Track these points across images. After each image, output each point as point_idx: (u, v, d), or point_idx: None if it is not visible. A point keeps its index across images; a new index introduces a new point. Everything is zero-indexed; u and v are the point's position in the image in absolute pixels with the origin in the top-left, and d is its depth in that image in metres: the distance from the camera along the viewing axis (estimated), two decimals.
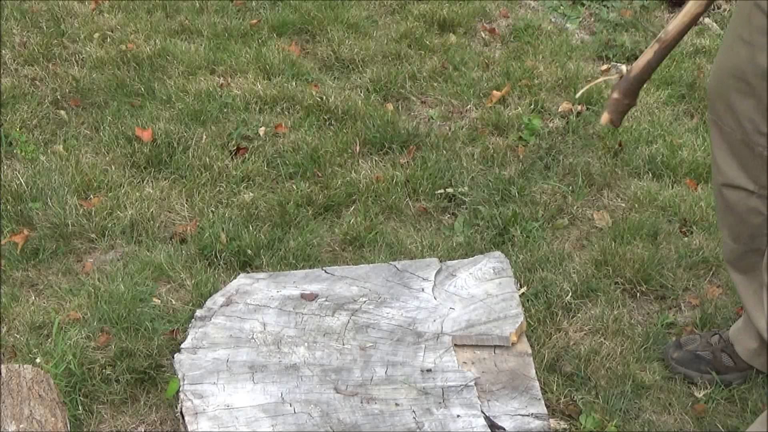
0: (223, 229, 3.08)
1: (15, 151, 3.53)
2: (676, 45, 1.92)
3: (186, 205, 3.25)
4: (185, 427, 1.98)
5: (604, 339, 2.68)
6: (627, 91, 1.88)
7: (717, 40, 4.52)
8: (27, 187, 3.26)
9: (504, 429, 2.02)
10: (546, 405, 2.15)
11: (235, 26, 4.52)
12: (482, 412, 2.02)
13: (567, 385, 2.53)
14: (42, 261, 2.97)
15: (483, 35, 4.54)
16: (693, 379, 2.52)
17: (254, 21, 4.59)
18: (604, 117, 1.94)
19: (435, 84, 4.07)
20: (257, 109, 3.85)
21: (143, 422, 2.43)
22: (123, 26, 4.51)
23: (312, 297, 2.34)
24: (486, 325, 2.27)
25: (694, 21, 1.84)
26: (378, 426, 1.96)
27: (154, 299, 2.79)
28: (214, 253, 2.98)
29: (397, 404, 2.02)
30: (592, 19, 4.79)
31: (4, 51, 4.25)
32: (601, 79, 2.25)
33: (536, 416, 2.07)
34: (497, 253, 2.60)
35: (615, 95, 1.88)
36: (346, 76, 4.15)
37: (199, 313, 2.30)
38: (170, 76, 4.06)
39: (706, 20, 4.71)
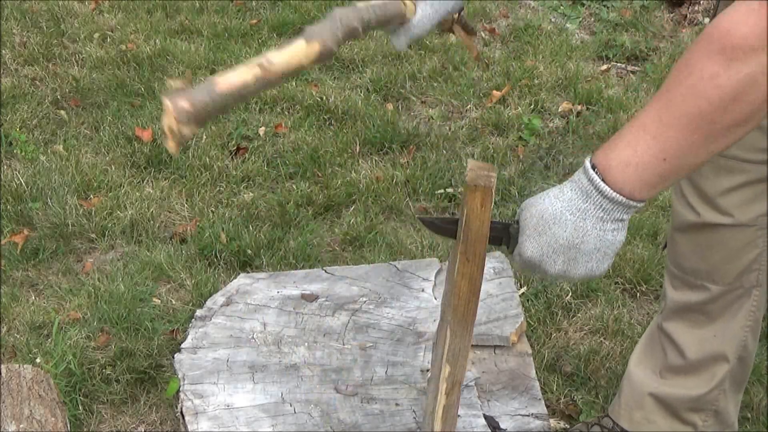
0: (223, 229, 3.08)
1: (15, 151, 3.53)
2: (279, 83, 1.42)
3: (186, 205, 3.25)
4: (185, 427, 1.98)
5: (604, 339, 2.68)
6: (200, 110, 1.25)
7: None
8: (27, 187, 3.26)
9: (504, 429, 2.03)
10: (546, 405, 2.14)
11: (235, 26, 4.52)
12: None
13: (567, 385, 2.53)
14: (42, 261, 2.97)
15: (483, 35, 4.54)
16: None
17: (254, 21, 4.59)
18: (170, 144, 1.28)
19: (435, 84, 4.07)
20: (257, 109, 3.85)
21: (143, 422, 2.43)
22: (123, 26, 4.51)
23: (312, 298, 2.34)
24: (486, 325, 2.27)
25: (298, 71, 1.38)
26: (378, 426, 1.96)
27: (154, 299, 2.79)
28: (214, 253, 2.98)
29: (397, 404, 2.02)
30: (592, 19, 4.79)
31: (4, 51, 4.25)
32: None
33: (536, 416, 2.07)
34: (497, 253, 2.59)
35: (185, 105, 1.24)
36: (346, 76, 4.15)
37: (199, 312, 2.29)
38: (170, 76, 4.06)
39: (706, 21, 4.71)
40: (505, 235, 1.48)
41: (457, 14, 1.73)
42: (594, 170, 1.36)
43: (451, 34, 1.77)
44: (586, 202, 1.37)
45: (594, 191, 1.36)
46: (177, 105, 1.26)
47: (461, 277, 1.51)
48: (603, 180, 1.35)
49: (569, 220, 1.37)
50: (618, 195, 1.34)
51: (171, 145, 1.29)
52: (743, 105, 1.28)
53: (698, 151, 1.33)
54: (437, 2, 1.62)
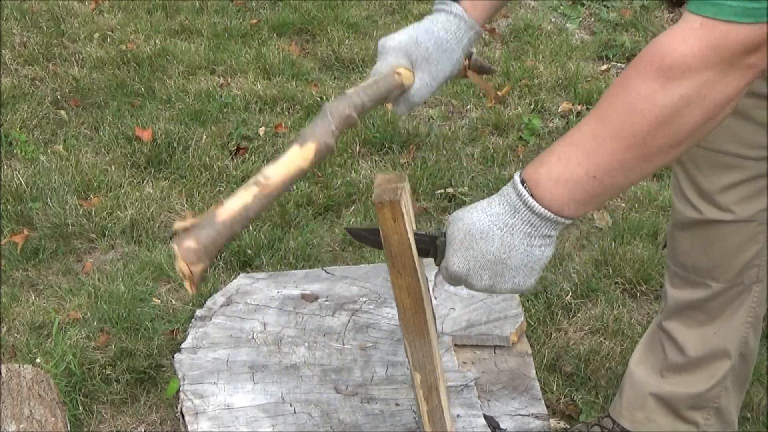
0: None
1: (15, 151, 3.53)
2: (280, 195, 1.37)
3: (186, 205, 3.25)
4: (185, 427, 1.98)
5: (604, 339, 2.68)
6: (208, 245, 1.25)
7: None
8: (27, 187, 3.26)
9: (504, 429, 2.03)
10: (546, 405, 2.14)
11: (235, 26, 4.52)
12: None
13: (567, 385, 2.53)
14: (42, 261, 2.97)
15: (483, 35, 4.54)
16: None
17: (254, 21, 4.59)
18: (188, 286, 1.29)
19: None
20: (257, 109, 3.85)
21: (143, 422, 2.43)
22: (123, 26, 4.51)
23: (312, 298, 2.34)
24: (486, 325, 2.27)
25: (299, 175, 1.36)
26: (378, 426, 1.96)
27: (154, 299, 2.79)
28: None
29: (397, 404, 2.02)
30: (592, 19, 4.79)
31: (4, 51, 4.25)
32: None
33: (536, 416, 2.07)
34: None
35: (191, 244, 1.25)
36: (346, 76, 4.15)
37: (199, 312, 2.29)
38: (170, 76, 4.06)
39: None
40: (432, 248, 1.47)
41: (467, 59, 1.71)
42: (523, 185, 1.34)
43: (465, 77, 1.75)
44: (514, 217, 1.36)
45: (522, 206, 1.35)
46: (182, 246, 1.27)
47: (399, 290, 1.50)
48: (531, 195, 1.33)
49: (496, 235, 1.36)
50: (546, 211, 1.34)
51: (189, 287, 1.28)
52: (677, 126, 1.27)
53: (629, 170, 1.32)
54: (435, 69, 1.59)
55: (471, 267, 1.39)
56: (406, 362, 2.14)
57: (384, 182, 1.46)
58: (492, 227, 1.36)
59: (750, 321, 2.07)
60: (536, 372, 2.22)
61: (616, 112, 1.29)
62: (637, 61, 1.31)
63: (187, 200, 3.27)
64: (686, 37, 1.24)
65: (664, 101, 1.25)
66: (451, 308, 2.36)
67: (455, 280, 1.43)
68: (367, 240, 1.53)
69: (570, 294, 2.82)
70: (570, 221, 1.36)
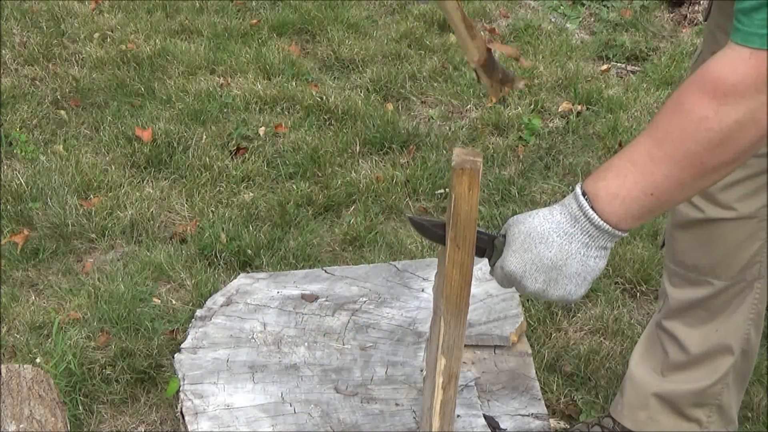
0: (223, 229, 3.08)
1: (15, 151, 3.53)
2: None
3: (186, 205, 3.25)
4: (185, 427, 1.98)
5: (604, 339, 2.68)
6: None
7: None
8: (27, 187, 3.26)
9: (504, 429, 2.03)
10: (546, 405, 2.14)
11: (235, 26, 4.52)
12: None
13: (567, 385, 2.53)
14: (42, 261, 2.97)
15: (483, 35, 4.54)
16: None
17: (254, 21, 4.59)
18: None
19: (435, 84, 4.07)
20: (257, 109, 3.85)
21: (143, 422, 2.43)
22: (123, 26, 4.51)
23: (312, 298, 2.34)
24: (486, 325, 2.27)
25: None
26: (378, 426, 1.96)
27: (154, 299, 2.79)
28: (214, 253, 2.98)
29: (397, 404, 2.02)
30: (592, 19, 4.79)
31: (4, 51, 4.25)
32: None
33: (536, 416, 2.07)
34: None
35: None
36: (346, 76, 4.15)
37: (199, 312, 2.29)
38: (170, 76, 4.06)
39: None
40: (489, 247, 1.51)
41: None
42: (584, 197, 1.40)
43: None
44: (574, 226, 1.41)
45: (582, 217, 1.40)
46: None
47: (452, 265, 1.51)
48: (592, 207, 1.39)
49: (555, 242, 1.42)
50: (605, 223, 1.39)
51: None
52: (731, 147, 1.33)
53: (686, 187, 1.38)
54: None
55: (527, 269, 1.44)
56: (407, 362, 2.14)
57: (462, 153, 1.48)
58: (552, 234, 1.42)
59: (752, 317, 2.07)
60: (536, 372, 2.22)
61: (671, 135, 1.35)
62: (689, 85, 1.35)
63: (187, 200, 3.27)
64: (736, 66, 1.30)
65: (719, 126, 1.31)
66: None
67: (509, 280, 1.48)
68: (428, 232, 1.56)
69: None
70: (626, 234, 1.42)
